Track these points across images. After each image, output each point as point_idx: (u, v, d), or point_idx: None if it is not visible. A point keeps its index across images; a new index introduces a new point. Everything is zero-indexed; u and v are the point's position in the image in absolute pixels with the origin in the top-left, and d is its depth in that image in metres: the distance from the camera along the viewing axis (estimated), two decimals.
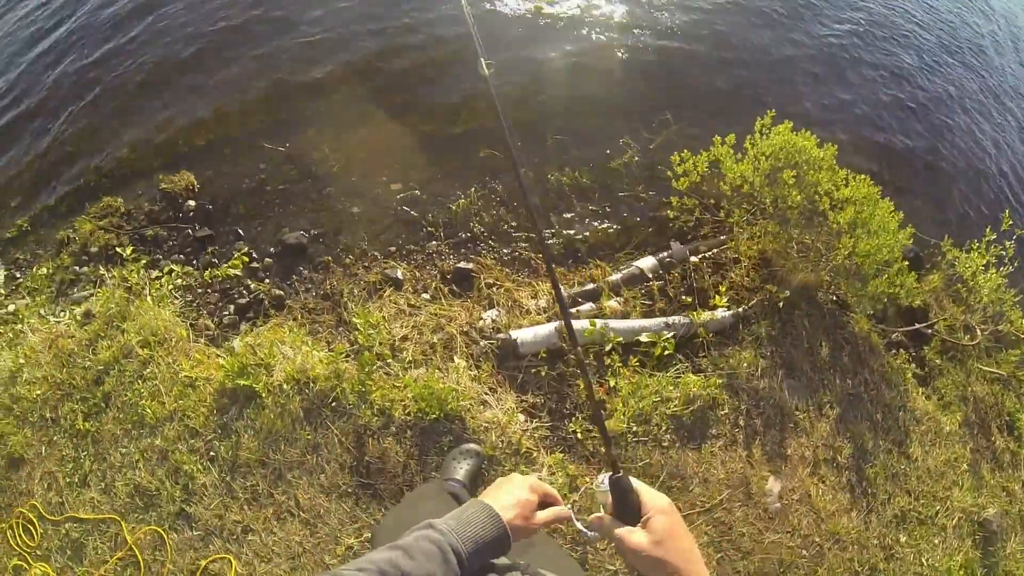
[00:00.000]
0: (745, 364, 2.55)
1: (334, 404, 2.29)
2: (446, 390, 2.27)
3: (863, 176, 2.52)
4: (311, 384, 2.40)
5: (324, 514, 2.28)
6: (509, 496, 0.75)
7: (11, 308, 3.11)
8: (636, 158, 3.46)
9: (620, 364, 2.41)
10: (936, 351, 2.87)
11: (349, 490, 2.27)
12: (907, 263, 2.61)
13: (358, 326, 2.39)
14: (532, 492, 0.78)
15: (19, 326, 2.93)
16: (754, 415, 2.47)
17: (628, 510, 0.72)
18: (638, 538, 0.69)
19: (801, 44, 4.48)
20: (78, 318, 2.73)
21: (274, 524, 2.30)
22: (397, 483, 2.28)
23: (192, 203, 3.11)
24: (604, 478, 0.78)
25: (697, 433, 2.43)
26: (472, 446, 2.23)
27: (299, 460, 2.33)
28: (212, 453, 2.26)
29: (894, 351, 2.79)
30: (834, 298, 2.73)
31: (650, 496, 0.73)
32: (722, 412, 2.43)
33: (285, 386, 2.25)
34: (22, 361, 2.72)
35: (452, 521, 0.69)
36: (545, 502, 0.82)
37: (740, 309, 2.69)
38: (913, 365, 2.80)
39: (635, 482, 0.77)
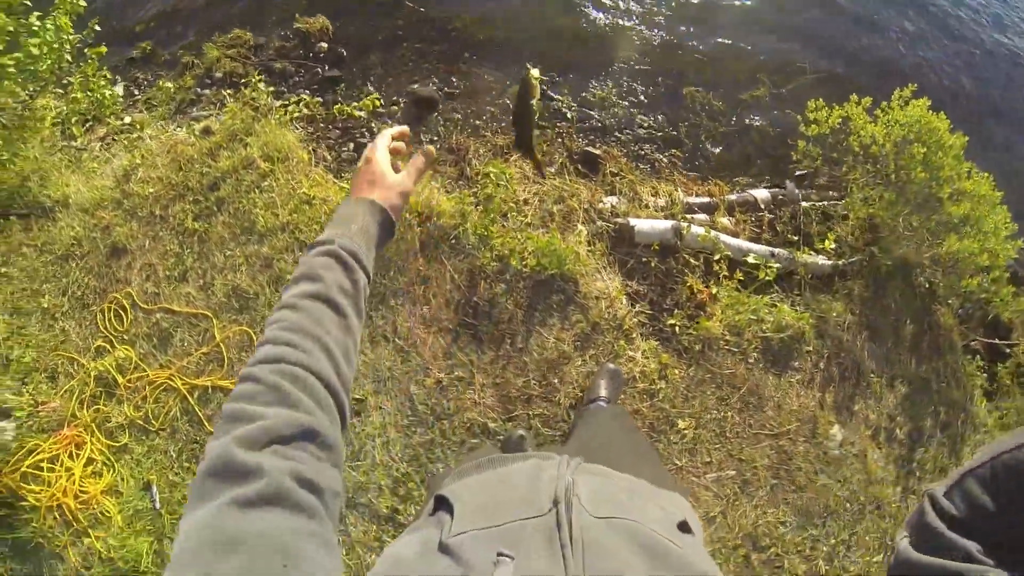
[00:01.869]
0: (835, 314, 2.85)
1: (453, 241, 2.61)
2: (568, 250, 2.57)
3: (987, 174, 2.82)
4: (434, 218, 2.70)
5: (419, 344, 2.55)
6: (366, 178, 0.84)
7: (127, 120, 3.23)
8: (767, 96, 3.80)
9: (726, 275, 2.75)
10: (1010, 372, 3.19)
11: (450, 326, 2.57)
12: (1007, 275, 2.98)
13: (490, 174, 2.43)
14: (383, 160, 0.85)
15: (135, 135, 3.01)
16: (833, 363, 2.80)
17: None
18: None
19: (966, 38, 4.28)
20: (197, 133, 2.79)
21: (367, 345, 2.57)
22: (500, 330, 2.52)
23: (324, 45, 3.23)
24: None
25: (781, 360, 2.72)
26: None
27: (406, 289, 2.60)
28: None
29: (969, 355, 3.13)
30: (927, 284, 3.11)
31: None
32: (806, 349, 2.76)
33: (407, 215, 2.28)
34: (138, 161, 2.81)
35: (332, 229, 0.77)
36: (401, 150, 0.92)
37: (840, 262, 3.03)
38: (984, 376, 3.13)
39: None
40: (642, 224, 2.82)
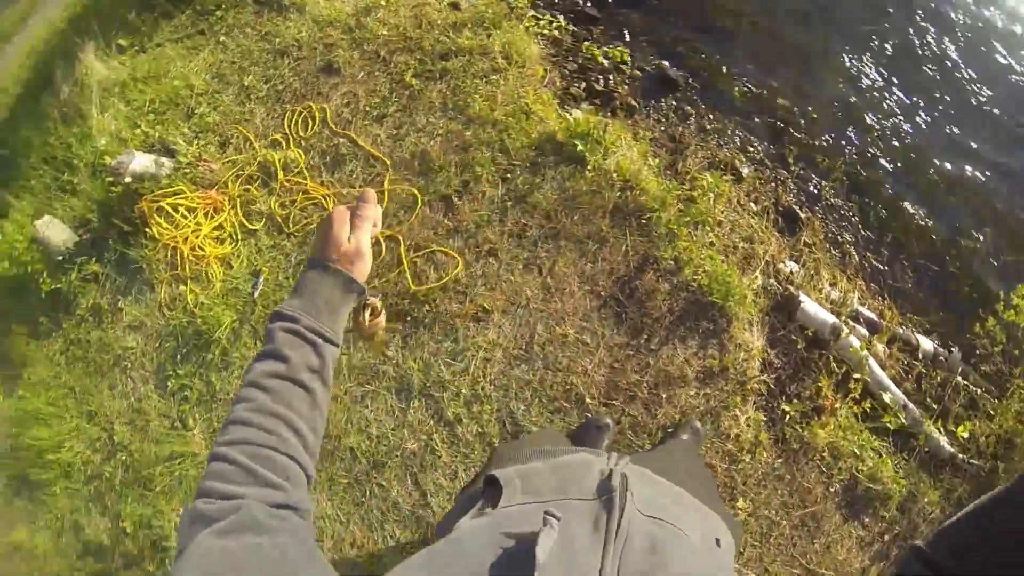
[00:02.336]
0: (926, 499, 2.70)
1: (643, 221, 2.77)
2: (739, 290, 2.61)
3: None
4: (635, 191, 2.79)
5: (565, 293, 2.64)
6: (323, 240, 0.82)
7: None
8: (985, 253, 3.55)
9: (856, 398, 2.69)
10: None
11: (602, 293, 2.68)
12: None
13: (705, 181, 2.84)
14: (341, 222, 0.82)
15: None
16: (896, 543, 2.64)
17: None
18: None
19: None
20: (445, 3, 2.89)
21: (518, 267, 2.70)
22: (643, 322, 2.59)
23: None
24: None
25: (856, 507, 2.62)
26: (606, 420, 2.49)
27: (580, 238, 2.72)
28: (509, 176, 2.39)
29: None
30: None
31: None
32: (883, 513, 2.64)
33: (614, 175, 2.48)
34: (382, 3, 2.95)
35: (299, 302, 0.77)
36: (360, 212, 0.86)
37: (961, 456, 2.85)
38: None
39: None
40: (809, 305, 2.82)
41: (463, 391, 2.55)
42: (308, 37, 3.35)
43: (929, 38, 4.10)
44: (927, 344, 3.06)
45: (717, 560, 0.78)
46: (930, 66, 4.01)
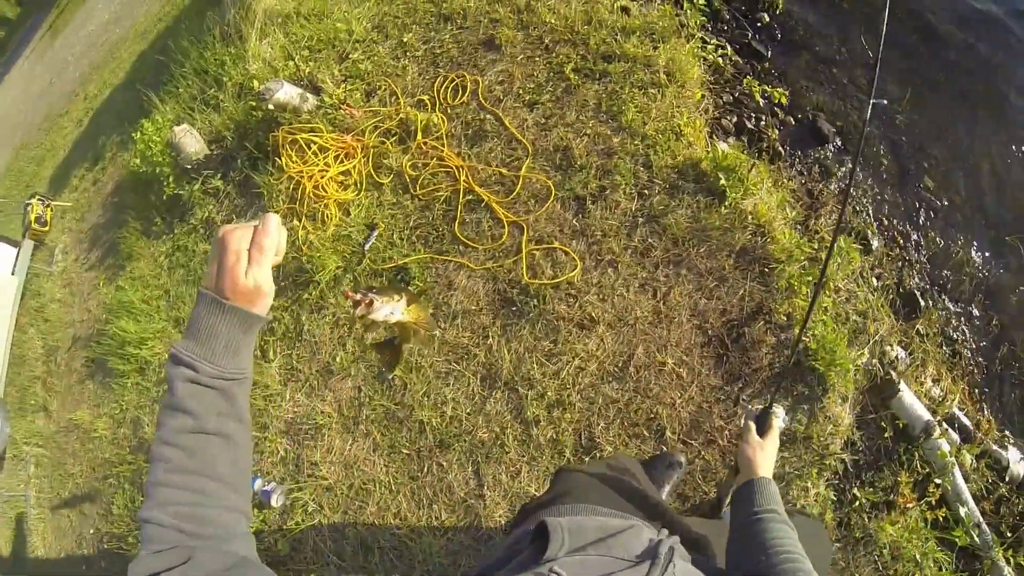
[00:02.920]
0: None
1: (766, 270, 2.61)
2: (846, 362, 2.51)
3: None
4: (765, 237, 2.66)
5: (674, 323, 2.55)
6: (217, 271, 0.74)
7: None
8: None
9: (932, 503, 2.56)
10: None
11: (709, 331, 2.54)
12: None
13: (838, 245, 2.68)
14: (237, 255, 0.73)
15: None
16: None
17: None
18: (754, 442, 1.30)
19: None
20: (617, 5, 2.83)
21: (635, 285, 2.63)
22: (741, 371, 2.49)
23: (766, 17, 3.20)
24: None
25: None
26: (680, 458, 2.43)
27: (702, 271, 2.61)
28: (646, 192, 2.34)
29: None
30: None
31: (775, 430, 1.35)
32: None
33: (749, 217, 2.68)
34: None
35: (195, 346, 0.73)
36: (260, 242, 0.76)
37: None
38: None
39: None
40: (907, 396, 2.66)
41: (548, 393, 2.49)
42: (475, 8, 3.38)
43: None
44: (1018, 468, 2.84)
45: None
46: None
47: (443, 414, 2.62)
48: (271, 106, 3.51)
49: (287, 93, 3.52)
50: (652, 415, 2.43)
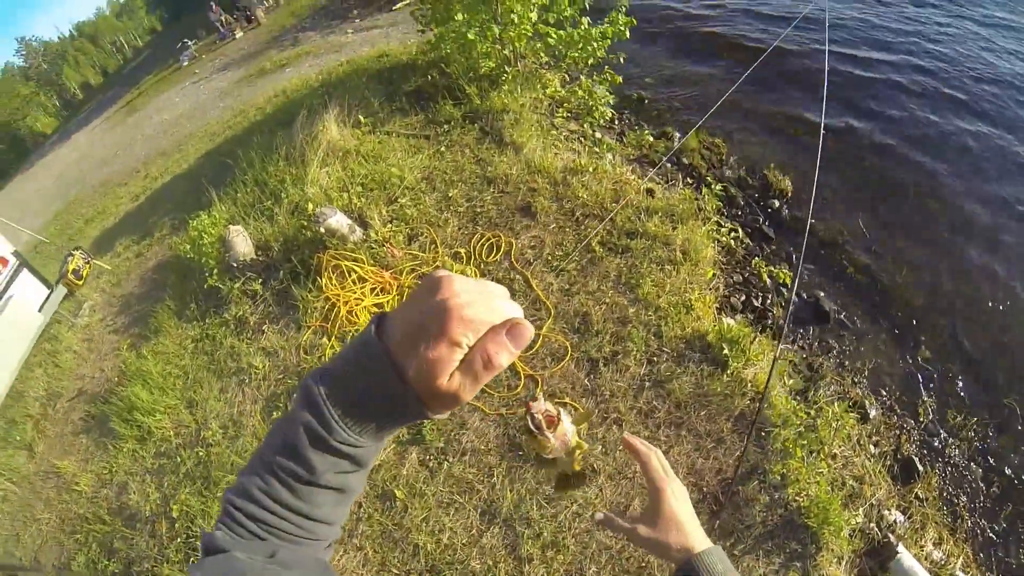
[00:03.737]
0: None
1: (763, 434, 2.74)
2: (839, 521, 2.54)
3: None
4: (765, 399, 2.80)
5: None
6: (412, 309, 0.54)
7: (599, 135, 3.88)
8: None
9: None
10: None
11: (704, 488, 2.65)
12: None
13: (830, 411, 2.86)
14: (454, 328, 0.52)
15: (598, 150, 3.55)
16: None
17: None
18: (640, 527, 0.82)
19: None
20: (643, 187, 3.19)
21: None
22: (734, 526, 2.53)
23: (776, 203, 3.59)
24: None
25: None
26: None
27: (701, 433, 2.75)
28: (655, 359, 2.61)
29: None
30: None
31: (658, 471, 0.84)
32: None
33: (748, 385, 2.85)
34: (589, 170, 3.47)
35: (341, 394, 0.57)
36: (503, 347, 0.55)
37: None
38: None
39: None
40: (906, 559, 2.64)
41: (545, 534, 2.54)
42: (517, 176, 3.83)
43: None
44: None
45: None
46: None
47: (439, 540, 2.64)
48: (322, 229, 3.87)
49: (338, 221, 3.89)
50: (643, 564, 2.46)
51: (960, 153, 5.12)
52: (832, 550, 2.57)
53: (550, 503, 2.64)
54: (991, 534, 3.20)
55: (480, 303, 0.53)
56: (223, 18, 14.85)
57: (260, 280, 4.14)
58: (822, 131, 3.23)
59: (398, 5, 9.74)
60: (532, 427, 0.75)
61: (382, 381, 0.54)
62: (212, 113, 9.11)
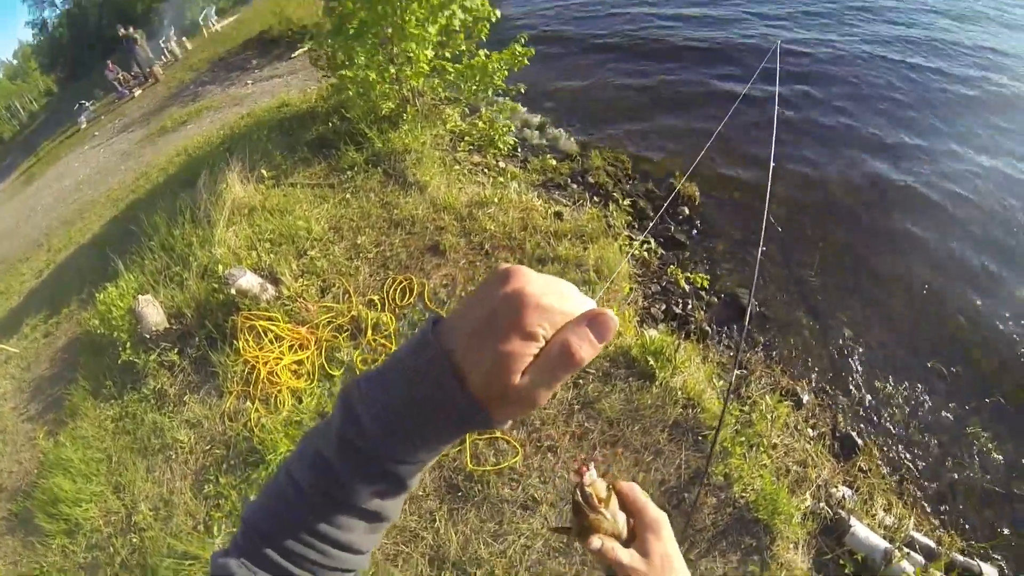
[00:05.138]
0: None
1: (700, 438, 2.81)
2: (787, 510, 2.62)
3: None
4: (696, 409, 2.91)
5: None
6: (478, 303, 0.47)
7: (503, 165, 3.97)
8: None
9: None
10: None
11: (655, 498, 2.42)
12: None
13: (761, 405, 2.96)
14: (530, 317, 0.45)
15: (502, 179, 3.66)
16: None
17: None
18: (630, 559, 0.68)
19: None
20: (551, 212, 3.33)
21: (573, 467, 2.44)
22: (686, 532, 2.57)
23: (686, 210, 3.78)
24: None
25: None
26: None
27: (638, 448, 2.79)
28: (580, 381, 2.76)
29: None
30: None
31: (648, 507, 0.72)
32: None
33: (678, 392, 2.92)
34: (495, 201, 3.42)
35: (378, 394, 0.50)
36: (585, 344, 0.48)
37: None
38: None
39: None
40: (860, 530, 2.77)
41: (497, 572, 2.50)
42: (423, 216, 3.83)
43: None
44: (990, 571, 2.93)
45: None
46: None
47: None
48: (233, 291, 3.73)
49: (248, 281, 3.77)
50: None
51: (867, 140, 5.47)
52: (787, 537, 2.64)
53: (497, 539, 2.60)
54: (936, 490, 3.33)
55: (555, 293, 0.46)
56: (120, 76, 14.14)
57: (176, 350, 3.92)
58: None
59: (297, 52, 9.60)
60: (582, 501, 0.67)
61: (439, 387, 0.47)
62: (114, 177, 8.60)
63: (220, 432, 3.30)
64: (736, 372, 3.32)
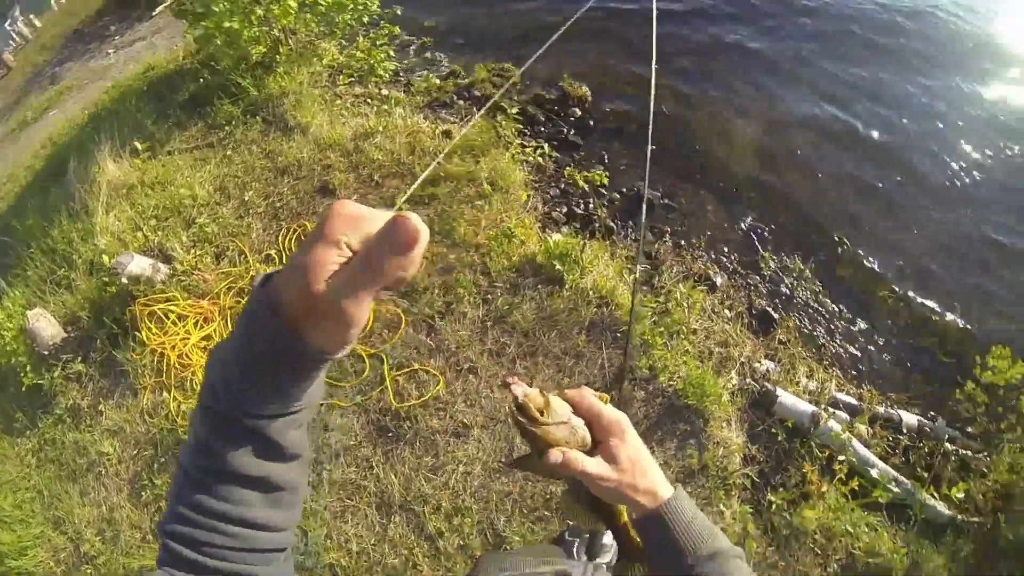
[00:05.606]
0: (932, 565, 2.69)
1: (618, 335, 2.83)
2: (714, 390, 2.69)
3: None
4: (611, 306, 2.90)
5: None
6: (302, 252, 0.46)
7: (386, 92, 3.71)
8: (958, 326, 3.74)
9: (842, 478, 2.75)
10: None
11: None
12: None
13: (676, 293, 2.98)
14: (333, 227, 0.45)
15: (386, 107, 3.45)
16: None
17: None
18: (597, 467, 0.67)
19: None
20: (438, 132, 3.16)
21: (497, 384, 2.74)
22: None
23: (578, 111, 3.65)
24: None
25: None
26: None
27: (558, 354, 2.78)
28: (489, 296, 2.53)
29: None
30: None
31: (603, 410, 0.71)
32: None
33: (590, 292, 2.76)
34: (380, 129, 3.20)
35: (226, 344, 0.52)
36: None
37: (960, 516, 2.92)
38: None
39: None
40: (786, 398, 2.93)
41: (444, 505, 2.53)
42: (309, 158, 3.57)
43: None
44: (910, 418, 3.18)
45: None
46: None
47: (350, 551, 2.56)
48: (124, 280, 3.44)
49: (138, 265, 3.47)
50: (548, 496, 2.51)
51: (749, 17, 5.38)
52: (719, 417, 2.73)
53: (437, 472, 2.61)
54: (853, 352, 3.53)
55: (367, 209, 0.46)
56: None
57: (79, 358, 3.63)
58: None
59: (158, 9, 8.59)
60: (520, 415, 0.62)
61: (258, 323, 0.47)
62: None
63: (144, 432, 3.13)
64: (640, 267, 3.33)
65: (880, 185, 4.21)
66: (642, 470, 0.70)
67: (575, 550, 1.56)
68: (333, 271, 0.44)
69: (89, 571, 2.93)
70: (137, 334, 3.30)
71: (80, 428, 3.35)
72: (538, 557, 0.99)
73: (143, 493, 2.95)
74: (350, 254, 0.44)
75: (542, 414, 0.64)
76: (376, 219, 0.45)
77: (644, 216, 2.73)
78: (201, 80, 4.91)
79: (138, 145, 4.64)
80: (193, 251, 3.50)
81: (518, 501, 2.52)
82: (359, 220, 0.44)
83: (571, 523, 2.55)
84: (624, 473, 0.68)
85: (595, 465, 0.67)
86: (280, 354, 0.47)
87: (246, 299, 0.52)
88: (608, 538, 1.43)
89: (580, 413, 0.70)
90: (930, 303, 3.81)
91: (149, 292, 3.39)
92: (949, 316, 3.76)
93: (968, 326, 3.77)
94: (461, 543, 2.48)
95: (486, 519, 2.50)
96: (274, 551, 0.57)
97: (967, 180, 4.42)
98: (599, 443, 0.70)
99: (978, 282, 4.04)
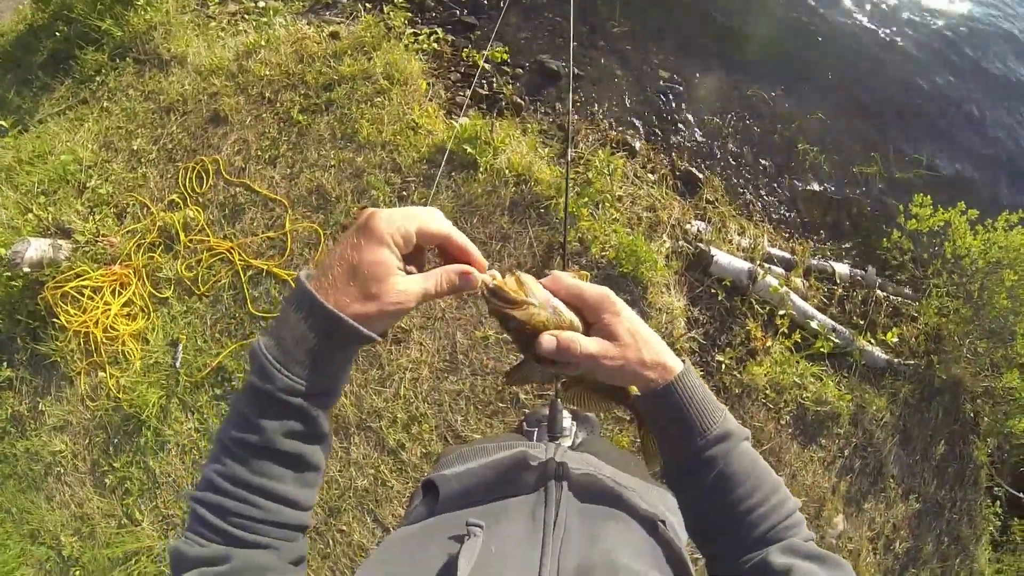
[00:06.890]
0: (875, 407, 2.91)
1: (542, 211, 2.42)
2: (648, 255, 2.62)
3: None
4: (530, 183, 2.78)
5: (478, 297, 2.35)
6: (350, 270, 0.55)
7: (262, 4, 3.29)
8: (878, 176, 3.80)
9: (785, 332, 2.84)
10: None
11: None
12: None
13: (595, 161, 2.42)
14: (390, 255, 0.56)
15: (265, 19, 3.08)
16: (858, 454, 2.86)
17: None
18: (599, 346, 0.63)
19: None
20: (325, 34, 2.84)
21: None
22: None
23: None
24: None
25: (810, 432, 2.78)
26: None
27: (483, 239, 2.67)
28: (404, 193, 2.38)
29: (990, 499, 3.17)
30: (972, 413, 3.18)
31: (583, 287, 0.67)
32: (837, 430, 2.82)
33: (506, 172, 2.38)
34: (262, 43, 2.88)
35: (268, 335, 0.58)
36: (446, 251, 0.65)
37: (896, 359, 3.12)
38: (998, 523, 3.18)
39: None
40: (721, 257, 2.90)
41: (399, 416, 2.48)
42: (192, 90, 3.19)
43: None
44: (842, 268, 3.26)
45: (662, 537, 0.69)
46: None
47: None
48: (26, 269, 3.16)
49: (37, 249, 3.17)
50: (500, 388, 2.48)
51: None
52: (657, 283, 2.67)
53: (385, 383, 2.53)
54: (782, 206, 3.49)
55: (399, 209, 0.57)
56: None
57: (4, 364, 3.40)
58: None
59: None
60: (498, 301, 0.60)
61: (299, 302, 0.55)
62: None
63: (90, 419, 2.96)
64: (564, 144, 3.14)
65: (809, 37, 4.06)
66: (644, 341, 0.64)
67: (535, 437, 1.58)
68: (391, 270, 0.56)
69: (77, 573, 2.86)
70: (56, 320, 3.06)
71: (27, 435, 3.15)
72: (499, 443, 0.97)
73: (106, 479, 2.85)
74: (395, 249, 0.56)
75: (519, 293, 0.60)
76: (410, 217, 0.58)
77: (571, 90, 2.51)
78: (57, 34, 4.34)
79: (4, 123, 4.17)
80: (92, 218, 3.19)
81: (471, 398, 2.48)
82: (398, 221, 0.56)
83: (527, 412, 2.52)
84: (627, 348, 0.63)
85: (596, 345, 0.62)
86: (336, 336, 0.55)
87: (289, 295, 0.56)
88: (568, 420, 1.40)
89: (561, 297, 0.65)
90: (853, 151, 3.78)
91: (56, 274, 3.12)
92: (873, 166, 3.74)
93: (893, 177, 3.77)
94: (424, 451, 2.45)
95: (443, 422, 2.47)
96: (297, 528, 0.60)
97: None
98: (591, 324, 0.65)
99: (895, 134, 4.02)
